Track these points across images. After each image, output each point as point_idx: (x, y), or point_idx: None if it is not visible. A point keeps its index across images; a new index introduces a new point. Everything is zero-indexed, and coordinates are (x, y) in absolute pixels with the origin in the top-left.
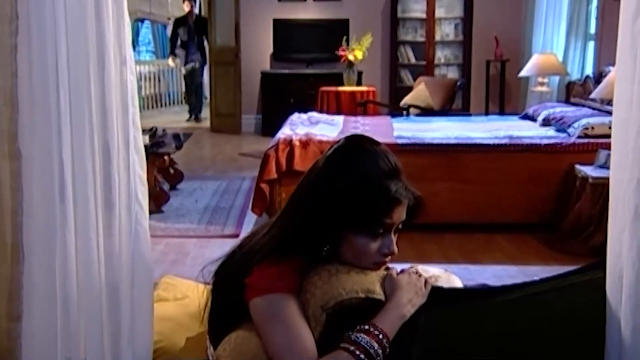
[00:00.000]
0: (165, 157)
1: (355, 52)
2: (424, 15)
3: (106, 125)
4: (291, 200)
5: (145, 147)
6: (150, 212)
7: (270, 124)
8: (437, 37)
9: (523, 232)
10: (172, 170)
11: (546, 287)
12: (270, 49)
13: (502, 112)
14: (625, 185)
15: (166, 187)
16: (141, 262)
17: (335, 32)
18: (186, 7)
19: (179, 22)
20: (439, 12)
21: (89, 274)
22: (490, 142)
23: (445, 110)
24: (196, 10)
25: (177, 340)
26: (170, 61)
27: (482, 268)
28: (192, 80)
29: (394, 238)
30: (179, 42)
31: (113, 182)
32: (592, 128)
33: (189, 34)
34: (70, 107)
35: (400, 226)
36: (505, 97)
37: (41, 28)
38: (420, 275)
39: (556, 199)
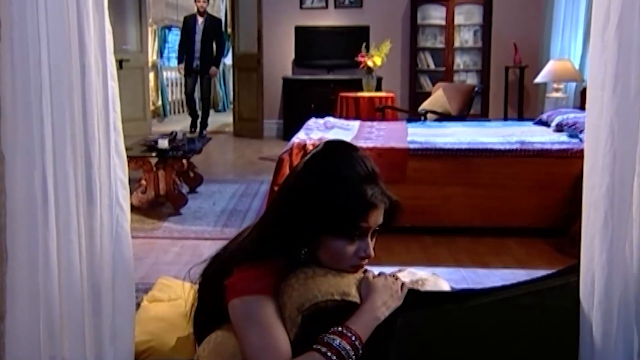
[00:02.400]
0: (184, 161)
1: (374, 59)
2: (443, 22)
3: (87, 130)
4: (271, 203)
5: (164, 150)
6: (169, 215)
7: (291, 129)
8: (457, 44)
9: (534, 236)
10: (191, 174)
11: (521, 291)
12: (292, 55)
13: (520, 117)
14: (596, 191)
15: (185, 190)
16: (122, 263)
17: (355, 38)
18: (199, 5)
19: (187, 23)
20: (458, 19)
21: (70, 275)
22: (502, 147)
23: (462, 115)
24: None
25: (168, 340)
26: (180, 70)
27: (490, 272)
28: (194, 89)
29: (370, 241)
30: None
31: (94, 185)
32: None
33: (194, 36)
34: (52, 112)
35: (377, 229)
36: (523, 102)
37: (23, 35)
38: (397, 279)
39: (567, 204)
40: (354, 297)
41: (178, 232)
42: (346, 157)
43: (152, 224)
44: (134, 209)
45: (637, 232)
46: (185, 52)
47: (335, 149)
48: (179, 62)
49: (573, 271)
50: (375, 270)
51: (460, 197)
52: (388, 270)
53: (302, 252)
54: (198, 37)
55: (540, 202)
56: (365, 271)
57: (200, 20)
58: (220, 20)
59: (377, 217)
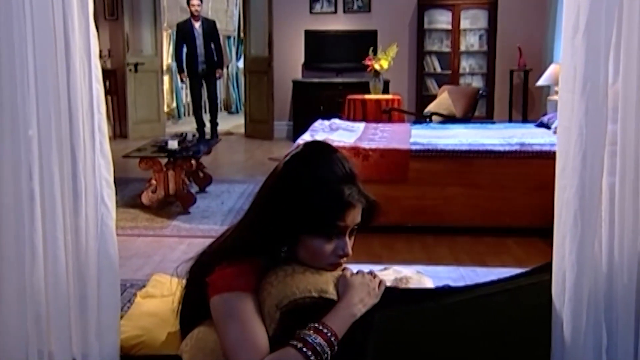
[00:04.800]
0: (193, 161)
1: (382, 62)
2: (449, 27)
3: (72, 131)
4: (252, 203)
5: (174, 151)
6: (178, 214)
7: (301, 130)
8: (462, 48)
9: (533, 236)
10: (201, 174)
11: (494, 289)
12: (302, 59)
13: (524, 120)
14: (567, 191)
15: (194, 189)
16: (107, 260)
17: (364, 42)
18: (194, 9)
19: (182, 29)
20: (464, 24)
21: (56, 271)
22: (502, 148)
23: (467, 117)
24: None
25: (159, 335)
26: (183, 77)
27: (489, 271)
28: (201, 94)
29: (348, 240)
30: (184, 50)
31: (79, 184)
32: None
33: (195, 41)
34: (38, 113)
35: (355, 228)
36: (528, 105)
37: (9, 37)
38: (374, 277)
39: None
40: (332, 294)
41: (186, 231)
42: (324, 158)
43: (161, 223)
44: (144, 207)
45: (606, 231)
46: (188, 58)
47: (314, 150)
48: (180, 71)
49: (546, 269)
50: (354, 268)
51: (461, 198)
52: (373, 268)
53: (282, 251)
54: (199, 41)
55: (540, 202)
56: (344, 269)
57: (197, 24)
58: (214, 21)
59: (354, 217)
